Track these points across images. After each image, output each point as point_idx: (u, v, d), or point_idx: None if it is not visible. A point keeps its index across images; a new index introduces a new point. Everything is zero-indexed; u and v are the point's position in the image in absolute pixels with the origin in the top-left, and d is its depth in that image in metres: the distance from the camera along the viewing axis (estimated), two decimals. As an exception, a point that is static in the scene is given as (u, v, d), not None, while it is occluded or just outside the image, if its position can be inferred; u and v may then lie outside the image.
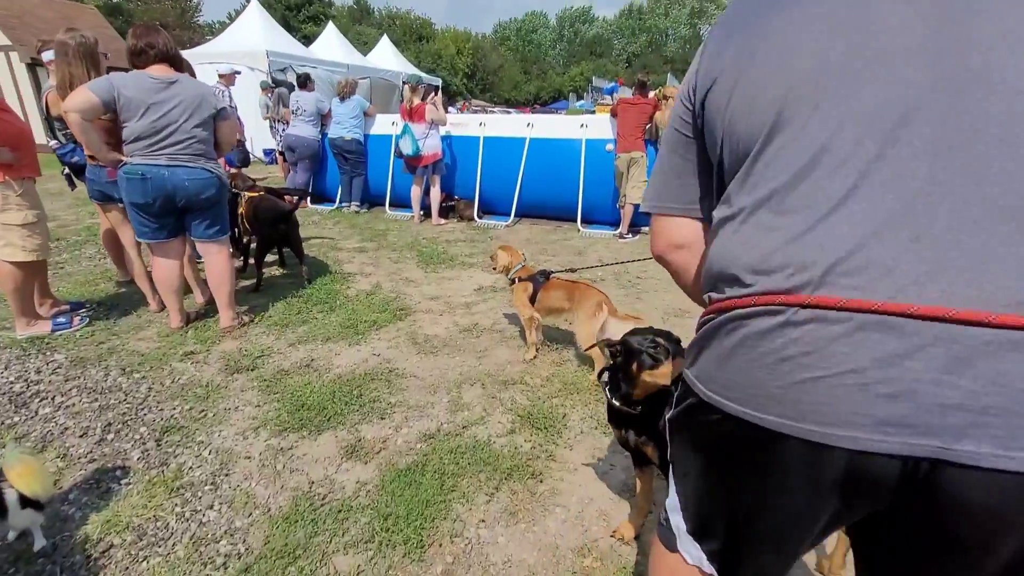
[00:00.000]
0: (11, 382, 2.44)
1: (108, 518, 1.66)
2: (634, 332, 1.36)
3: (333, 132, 6.28)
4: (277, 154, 8.62)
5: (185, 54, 12.55)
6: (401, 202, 6.38)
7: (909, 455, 0.54)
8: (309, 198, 6.82)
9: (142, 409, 2.27)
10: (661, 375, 1.26)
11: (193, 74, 4.32)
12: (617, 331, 1.43)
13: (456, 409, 2.30)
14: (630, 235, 5.21)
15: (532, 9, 66.20)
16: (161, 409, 2.28)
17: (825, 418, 0.57)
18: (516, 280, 2.69)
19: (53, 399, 2.33)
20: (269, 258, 4.13)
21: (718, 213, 0.72)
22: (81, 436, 2.08)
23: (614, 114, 5.20)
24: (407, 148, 5.48)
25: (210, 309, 3.32)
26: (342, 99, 6.31)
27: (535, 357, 2.74)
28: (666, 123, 4.56)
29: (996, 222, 0.51)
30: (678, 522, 0.80)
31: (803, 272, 0.58)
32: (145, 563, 1.51)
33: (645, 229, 5.51)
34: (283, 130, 7.61)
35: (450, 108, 14.91)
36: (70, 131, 2.84)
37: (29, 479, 1.44)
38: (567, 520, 1.70)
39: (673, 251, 0.86)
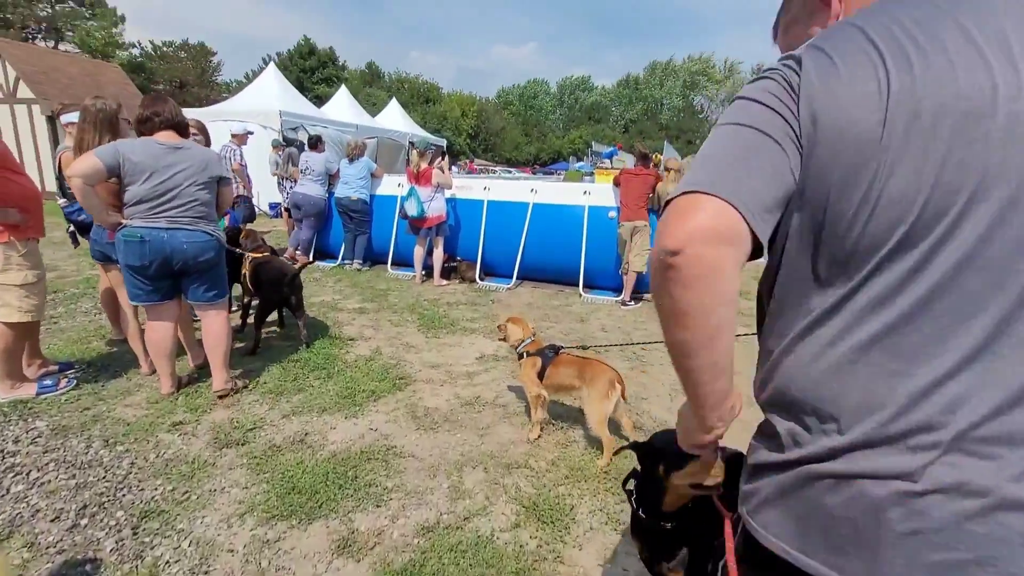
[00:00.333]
0: (-15, 453, 2.31)
1: (70, 625, 1.50)
2: (665, 432, 1.25)
3: (340, 192, 6.40)
4: (283, 209, 8.76)
5: (202, 112, 13.04)
6: (403, 261, 6.41)
7: None
8: (312, 254, 6.86)
9: (121, 488, 2.13)
10: (694, 474, 1.10)
11: (208, 136, 4.47)
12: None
13: (457, 496, 2.16)
14: (632, 302, 5.18)
15: (534, 77, 69.87)
16: (142, 489, 2.13)
17: None
18: (525, 354, 2.62)
19: (28, 474, 2.19)
20: (269, 316, 4.06)
21: (801, 293, 0.61)
22: (53, 520, 1.93)
23: (617, 183, 5.32)
24: (412, 210, 5.56)
25: (203, 373, 3.22)
26: (351, 160, 6.48)
27: (539, 436, 2.63)
28: (671, 195, 4.65)
29: None
30: None
31: (929, 432, 0.52)
32: None
33: (647, 296, 5.50)
34: (290, 188, 7.76)
35: (453, 167, 15.39)
36: None
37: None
38: (578, 638, 1.54)
39: (716, 244, 0.56)
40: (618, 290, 5.49)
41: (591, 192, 5.68)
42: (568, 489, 2.23)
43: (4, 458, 2.28)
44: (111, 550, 1.80)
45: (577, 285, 5.63)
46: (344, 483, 2.20)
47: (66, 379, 3.01)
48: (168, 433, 2.57)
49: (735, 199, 0.57)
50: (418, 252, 5.88)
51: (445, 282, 5.90)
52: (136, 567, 1.73)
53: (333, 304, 4.89)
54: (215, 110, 12.46)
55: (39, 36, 31.94)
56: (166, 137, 2.75)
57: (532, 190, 5.92)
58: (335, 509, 2.04)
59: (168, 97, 2.94)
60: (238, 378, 3.17)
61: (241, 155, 6.43)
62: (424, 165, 5.61)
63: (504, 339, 2.75)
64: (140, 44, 35.92)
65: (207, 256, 2.84)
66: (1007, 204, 0.50)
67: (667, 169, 5.14)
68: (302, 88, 33.53)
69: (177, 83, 34.59)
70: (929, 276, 0.53)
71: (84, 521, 1.93)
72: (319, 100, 26.57)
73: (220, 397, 2.95)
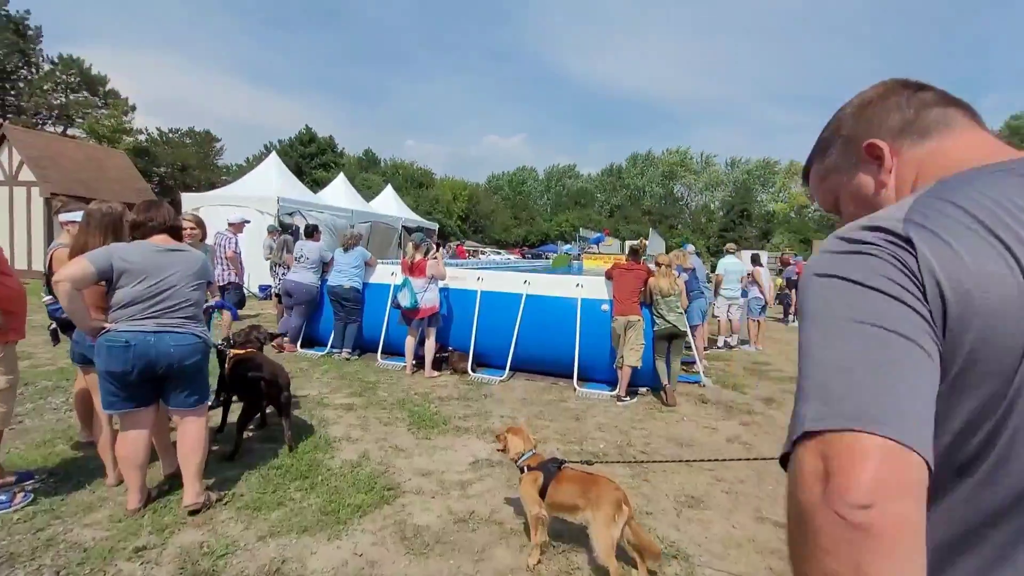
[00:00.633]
0: (-85, 592, 2.04)
1: None
2: None
3: (333, 280, 6.42)
4: (273, 294, 8.73)
5: (202, 196, 13.38)
6: (394, 350, 6.29)
7: None
8: (299, 342, 6.73)
9: (67, 638, 1.87)
10: None
11: (205, 231, 4.51)
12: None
13: (450, 644, 1.93)
14: (628, 398, 5.07)
15: (523, 164, 73.96)
16: (91, 638, 1.87)
17: None
18: (526, 469, 2.47)
19: (-40, 620, 1.92)
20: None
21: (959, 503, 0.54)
22: None
23: (609, 277, 5.42)
24: (405, 301, 5.55)
25: (175, 483, 2.98)
26: (346, 249, 6.56)
27: (540, 563, 2.41)
28: (663, 289, 4.66)
29: None
30: None
31: None
32: None
33: (643, 390, 5.40)
34: (283, 274, 7.79)
35: (443, 248, 15.75)
36: None
37: None
38: None
39: (895, 498, 0.46)
40: (612, 383, 5.40)
41: (584, 285, 5.75)
42: (574, 632, 2.01)
43: (-64, 597, 2.02)
44: None
45: (571, 377, 5.53)
46: (323, 628, 1.96)
47: (23, 493, 2.76)
48: (129, 562, 2.31)
49: (912, 439, 0.48)
50: (409, 343, 5.79)
51: (436, 373, 5.76)
52: None
53: (319, 399, 4.71)
54: (215, 195, 12.80)
55: (49, 121, 33.40)
56: (161, 240, 2.76)
57: (525, 281, 5.98)
58: (312, 664, 1.80)
59: (163, 202, 2.99)
60: (212, 489, 2.94)
61: (236, 243, 6.51)
62: (419, 257, 5.69)
63: (503, 450, 2.61)
64: (147, 130, 37.62)
65: (194, 359, 2.76)
66: None
67: (657, 264, 5.27)
68: (301, 173, 34.96)
69: (179, 166, 35.86)
70: None
71: None
72: (316, 184, 27.61)
73: (191, 513, 2.72)
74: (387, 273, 6.56)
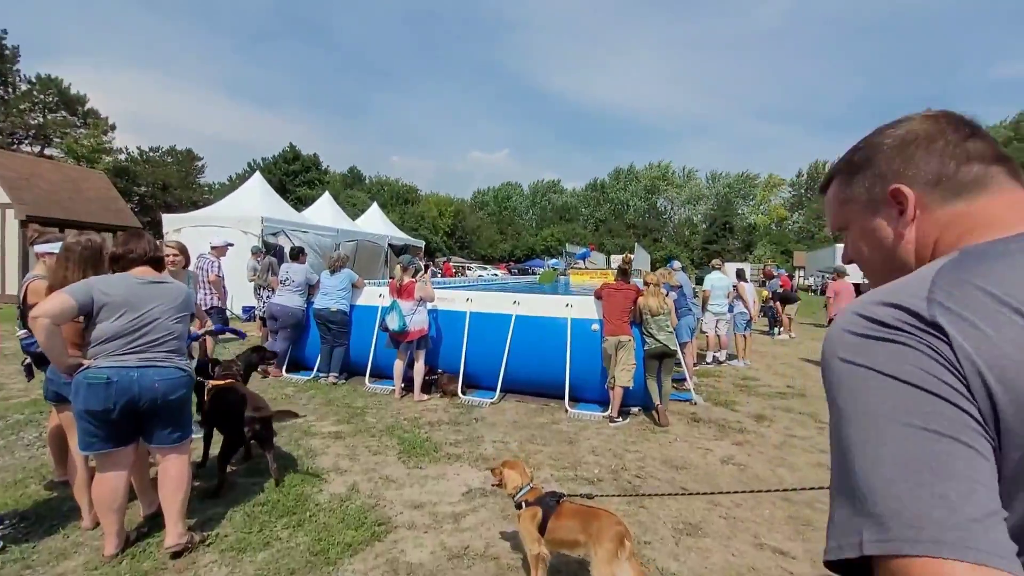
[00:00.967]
0: None
1: None
2: None
3: (320, 303, 6.32)
4: (257, 317, 8.57)
5: (184, 217, 13.20)
6: (382, 373, 6.19)
7: None
8: (285, 367, 6.59)
9: None
10: None
11: (188, 257, 4.40)
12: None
13: None
14: (620, 418, 5.04)
15: (508, 180, 74.45)
16: None
17: None
18: (523, 504, 2.41)
19: None
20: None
21: None
22: None
23: (598, 297, 5.41)
24: (393, 324, 5.47)
25: (154, 524, 2.86)
26: (332, 272, 6.48)
27: (539, 602, 2.34)
28: (652, 308, 4.65)
29: None
30: None
31: None
32: None
33: (635, 410, 5.37)
34: (267, 296, 7.66)
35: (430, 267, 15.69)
36: None
37: None
38: None
39: None
40: (604, 402, 5.36)
41: (573, 304, 5.74)
42: (576, 677, 1.94)
43: None
44: None
45: (562, 397, 5.48)
46: None
47: (-9, 541, 2.62)
48: (105, 614, 2.19)
49: (981, 556, 0.45)
50: (398, 366, 5.70)
51: (426, 397, 5.67)
52: None
53: (306, 428, 4.58)
54: (198, 215, 12.61)
55: (25, 141, 32.80)
56: (142, 272, 2.68)
57: (515, 302, 5.95)
58: None
59: (144, 232, 2.91)
60: (195, 529, 2.82)
61: (219, 267, 6.38)
62: (407, 279, 5.63)
63: (499, 485, 2.55)
64: (127, 150, 37.13)
65: (179, 394, 2.67)
66: None
67: (646, 283, 5.28)
68: (285, 190, 34.74)
69: (160, 185, 35.37)
70: None
71: None
72: (300, 202, 27.43)
73: (173, 556, 2.60)
74: (374, 295, 6.48)
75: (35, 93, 33.23)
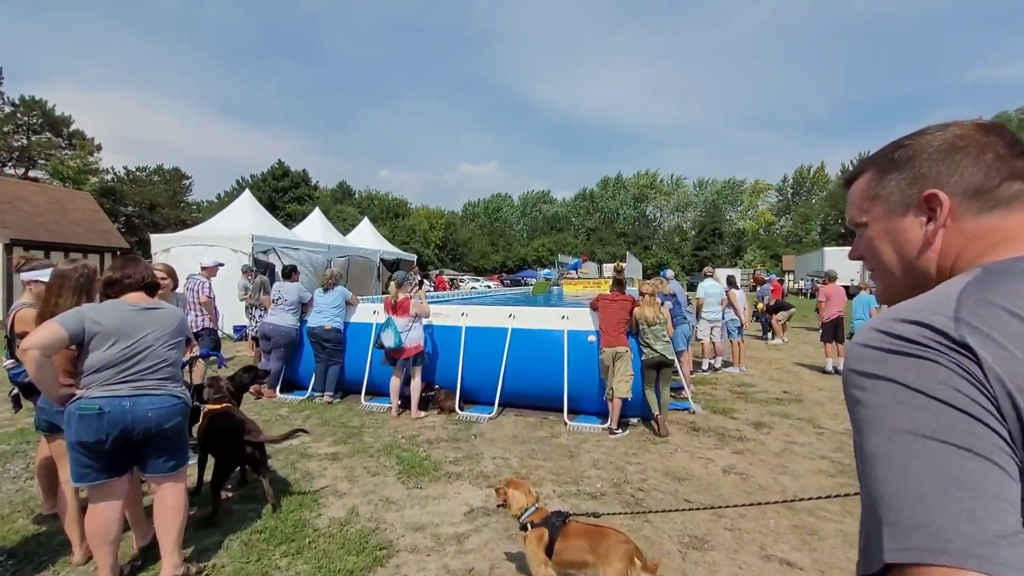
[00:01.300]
0: None
1: None
2: None
3: (313, 321, 6.26)
4: (249, 336, 8.46)
5: (172, 237, 13.03)
6: (377, 390, 6.12)
7: None
8: (278, 387, 6.49)
9: None
10: None
11: (176, 280, 4.35)
12: None
13: None
14: (620, 430, 5.01)
15: (498, 191, 74.83)
16: None
17: None
18: (529, 525, 2.37)
19: None
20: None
21: None
22: None
23: (594, 308, 5.41)
24: (389, 341, 5.42)
25: (148, 556, 2.78)
26: (325, 289, 6.43)
27: (547, 625, 2.29)
28: (648, 319, 4.65)
29: None
30: None
31: None
32: None
33: (634, 420, 5.35)
34: (259, 315, 7.57)
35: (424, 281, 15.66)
36: None
37: None
38: None
39: None
40: (603, 414, 5.33)
41: (569, 317, 5.73)
42: None
43: None
44: None
45: (560, 411, 5.44)
46: None
47: (-22, 580, 2.53)
48: (99, 655, 2.11)
49: (1007, 572, 0.46)
50: (394, 384, 5.64)
51: (423, 414, 5.61)
52: None
53: (302, 449, 4.50)
54: (187, 235, 12.49)
55: (9, 164, 32.45)
56: (135, 299, 2.62)
57: (511, 315, 5.93)
58: None
59: (139, 257, 2.87)
60: (190, 560, 2.75)
61: (210, 287, 6.30)
62: (402, 296, 5.59)
63: (504, 505, 2.50)
64: (113, 170, 36.82)
65: (173, 422, 2.60)
66: None
67: (641, 293, 5.29)
68: (274, 207, 34.55)
69: (147, 205, 35.08)
70: None
71: None
72: (290, 218, 27.30)
73: (169, 589, 2.52)
74: (368, 311, 6.43)
75: (19, 115, 32.92)
